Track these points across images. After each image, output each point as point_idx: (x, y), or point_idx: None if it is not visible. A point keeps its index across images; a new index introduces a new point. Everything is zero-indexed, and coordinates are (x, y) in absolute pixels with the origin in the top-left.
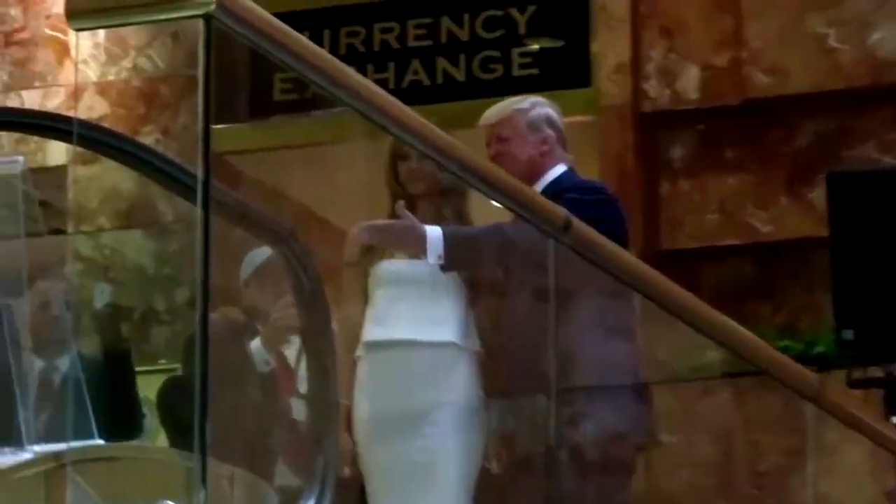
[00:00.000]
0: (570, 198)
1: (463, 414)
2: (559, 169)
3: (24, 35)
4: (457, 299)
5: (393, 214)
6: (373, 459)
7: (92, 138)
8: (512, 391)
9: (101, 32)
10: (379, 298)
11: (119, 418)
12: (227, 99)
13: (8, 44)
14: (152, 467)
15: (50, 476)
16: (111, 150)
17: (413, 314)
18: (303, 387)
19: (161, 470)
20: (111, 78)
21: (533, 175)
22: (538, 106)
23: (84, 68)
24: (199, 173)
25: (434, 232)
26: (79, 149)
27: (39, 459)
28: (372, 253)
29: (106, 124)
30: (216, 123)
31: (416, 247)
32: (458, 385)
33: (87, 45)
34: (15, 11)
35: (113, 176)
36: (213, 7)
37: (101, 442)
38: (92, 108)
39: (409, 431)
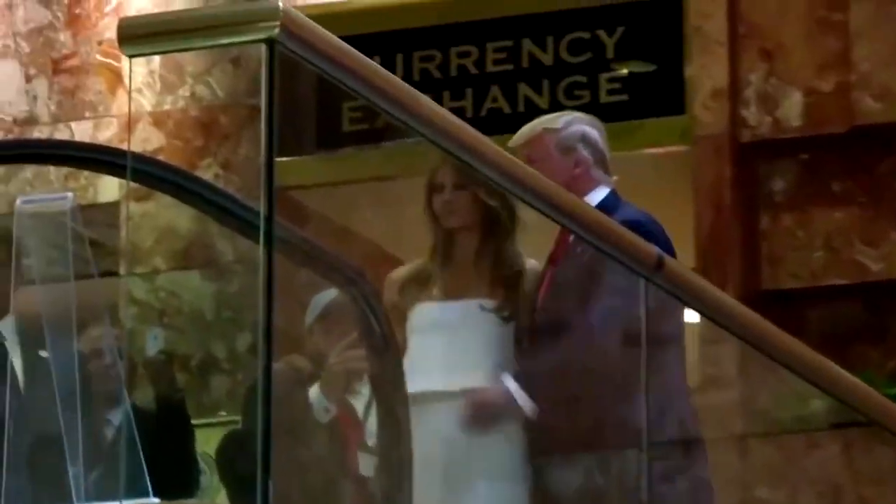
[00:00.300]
0: None
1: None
2: (599, 194)
3: (73, 62)
4: (494, 344)
5: (434, 250)
6: None
7: (146, 172)
8: (593, 445)
9: (157, 59)
10: (412, 345)
11: (175, 474)
12: (291, 129)
13: (57, 71)
14: None
15: None
16: (167, 185)
17: (442, 362)
18: (372, 440)
19: None
20: (167, 107)
21: None
22: (573, 123)
23: (138, 97)
24: (262, 209)
25: (510, 384)
26: (132, 184)
27: None
28: (408, 294)
29: (161, 157)
30: (280, 156)
31: (510, 407)
32: (494, 440)
33: (141, 72)
34: (64, 36)
35: (169, 213)
36: (276, 31)
37: (155, 500)
38: (147, 140)
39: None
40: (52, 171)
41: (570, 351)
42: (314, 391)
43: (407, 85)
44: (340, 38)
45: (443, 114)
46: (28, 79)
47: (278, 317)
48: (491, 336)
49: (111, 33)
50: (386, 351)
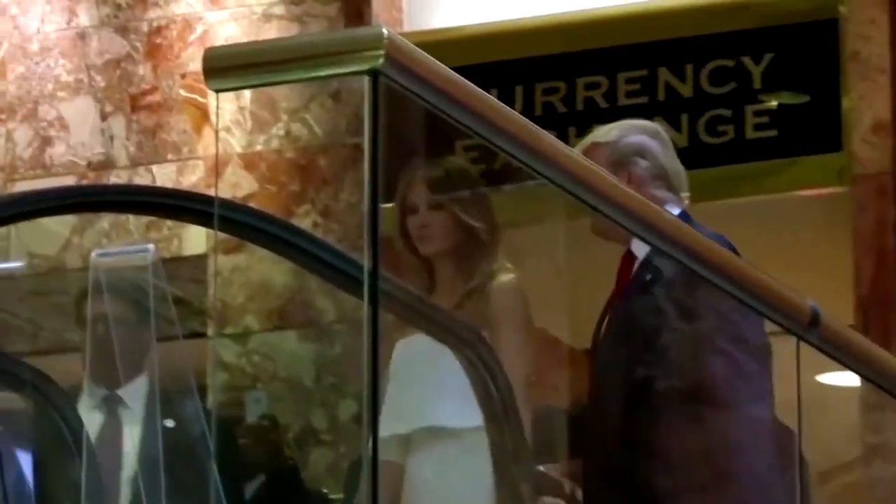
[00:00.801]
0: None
1: None
2: None
3: (154, 98)
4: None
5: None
6: None
7: (236, 221)
8: None
9: (247, 94)
10: (389, 388)
11: None
12: (399, 171)
13: (135, 108)
14: None
15: None
16: (259, 235)
17: (416, 402)
18: None
19: None
20: (259, 148)
21: None
22: (628, 134)
23: (226, 137)
24: (366, 262)
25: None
26: (221, 234)
27: None
28: (393, 332)
29: (253, 204)
30: (386, 201)
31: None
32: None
33: (230, 108)
34: (143, 69)
35: (262, 267)
36: (380, 61)
37: None
38: (236, 185)
39: None
40: (132, 221)
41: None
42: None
43: (527, 120)
44: (453, 68)
45: (568, 153)
46: (104, 117)
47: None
48: (454, 362)
49: (196, 65)
50: (506, 420)
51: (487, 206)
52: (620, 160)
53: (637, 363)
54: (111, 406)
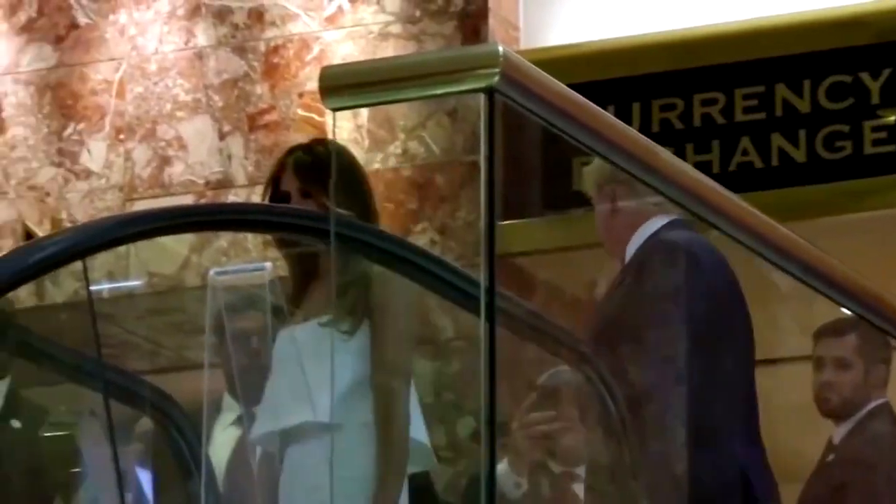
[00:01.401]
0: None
1: None
2: (654, 225)
3: (272, 117)
4: (340, 363)
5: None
6: None
7: (353, 238)
8: None
9: (364, 112)
10: (268, 384)
11: None
12: (515, 189)
13: (253, 128)
14: None
15: None
16: (376, 252)
17: (289, 396)
18: None
19: None
20: (377, 166)
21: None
22: None
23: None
24: (482, 279)
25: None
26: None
27: None
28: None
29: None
30: (503, 219)
31: None
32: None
33: (347, 127)
34: (261, 89)
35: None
36: (496, 79)
37: None
38: None
39: None
40: (250, 239)
41: None
42: (501, 467)
43: (644, 137)
44: (569, 85)
45: (685, 169)
46: (222, 136)
47: (503, 400)
48: (337, 355)
49: (313, 84)
50: (624, 437)
51: (361, 192)
52: (608, 181)
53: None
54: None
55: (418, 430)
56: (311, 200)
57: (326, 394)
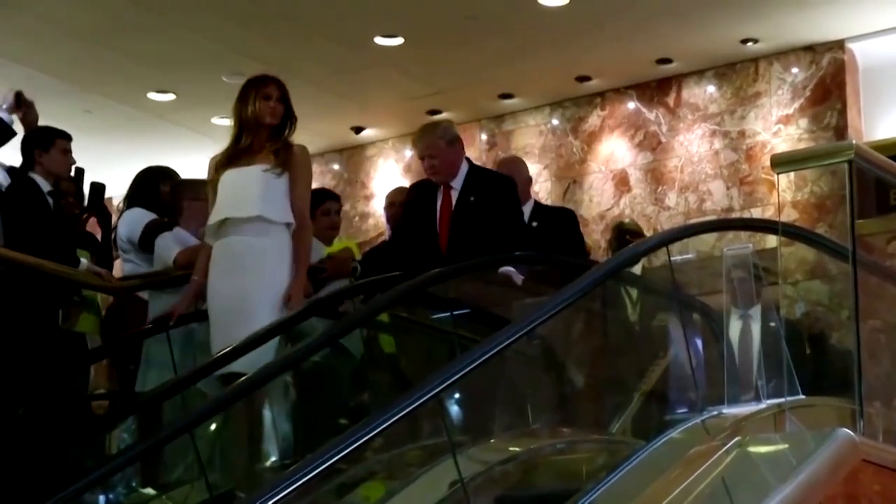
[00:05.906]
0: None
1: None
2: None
3: (749, 178)
4: (270, 188)
5: (244, 138)
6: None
7: (789, 232)
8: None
9: (795, 174)
10: (215, 199)
11: (818, 379)
12: (862, 201)
13: (742, 182)
14: (827, 410)
15: (776, 417)
16: (802, 239)
17: (232, 202)
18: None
19: (833, 410)
20: (799, 198)
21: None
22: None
23: (783, 194)
24: (850, 245)
25: (507, 269)
26: (783, 238)
27: (769, 407)
28: (219, 169)
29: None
30: (858, 218)
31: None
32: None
33: (784, 180)
34: (747, 167)
35: (802, 252)
36: (852, 154)
37: (802, 396)
38: (788, 216)
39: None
40: (742, 235)
41: None
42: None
43: None
44: (891, 158)
45: None
46: (732, 186)
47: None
48: (268, 184)
49: (765, 159)
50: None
51: (285, 99)
52: (454, 137)
53: None
54: (745, 319)
55: None
56: (280, 103)
57: (256, 202)
